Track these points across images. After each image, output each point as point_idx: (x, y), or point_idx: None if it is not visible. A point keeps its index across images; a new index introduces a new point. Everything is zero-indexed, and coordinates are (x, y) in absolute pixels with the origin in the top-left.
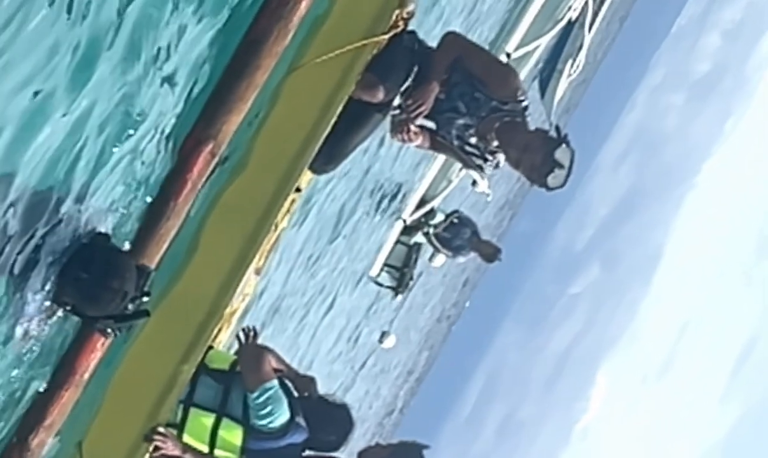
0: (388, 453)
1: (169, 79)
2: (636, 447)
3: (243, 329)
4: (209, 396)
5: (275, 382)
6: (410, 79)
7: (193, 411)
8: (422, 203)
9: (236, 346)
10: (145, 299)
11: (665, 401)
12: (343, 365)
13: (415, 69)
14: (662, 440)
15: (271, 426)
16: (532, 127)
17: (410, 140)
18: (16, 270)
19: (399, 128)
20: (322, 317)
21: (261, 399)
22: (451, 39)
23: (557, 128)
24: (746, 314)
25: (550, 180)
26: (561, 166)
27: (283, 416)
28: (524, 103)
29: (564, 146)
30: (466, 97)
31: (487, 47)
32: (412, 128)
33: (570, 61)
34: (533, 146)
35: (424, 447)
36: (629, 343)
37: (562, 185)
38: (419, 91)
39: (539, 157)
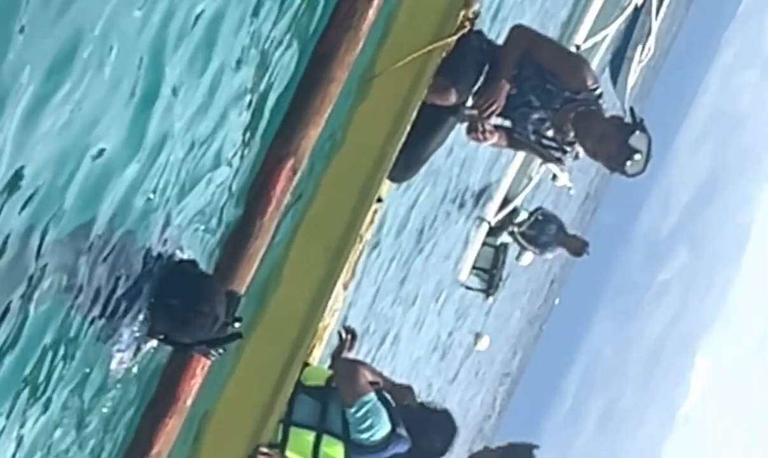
0: (497, 455)
1: (245, 101)
2: (741, 428)
3: (342, 329)
4: (308, 413)
5: (372, 395)
6: (481, 79)
7: (293, 430)
8: (505, 202)
9: (335, 347)
10: (236, 324)
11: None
12: (438, 371)
13: (486, 68)
14: None
15: (372, 439)
16: (607, 115)
17: (485, 140)
18: (108, 303)
19: (474, 128)
20: (413, 325)
21: (360, 413)
22: (518, 33)
23: (632, 112)
24: None
25: (629, 167)
26: (638, 152)
27: (383, 428)
28: (597, 92)
29: (638, 131)
30: (538, 90)
31: (555, 38)
32: (487, 127)
33: (639, 48)
34: (609, 135)
35: (534, 446)
36: (725, 324)
37: (641, 171)
38: (490, 90)
39: (615, 146)
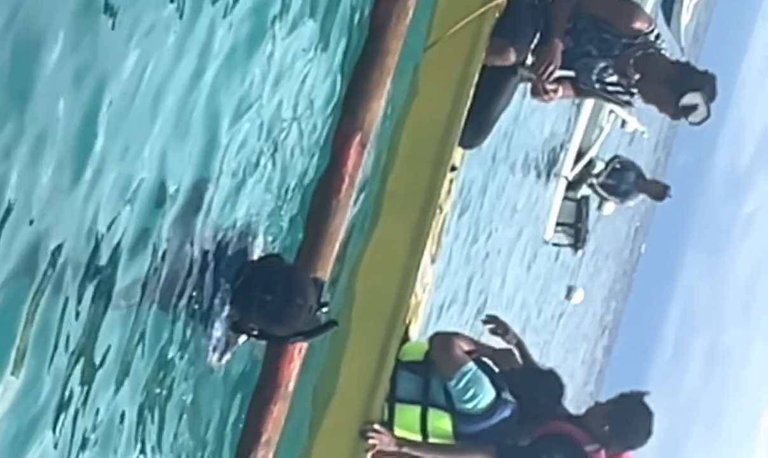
0: (609, 408)
1: (307, 83)
2: None
3: (483, 321)
4: (411, 389)
5: (471, 364)
6: (538, 35)
7: (398, 406)
8: (579, 155)
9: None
10: (324, 309)
11: None
12: (536, 330)
13: (541, 24)
14: None
15: (478, 407)
16: (668, 55)
17: (552, 98)
18: (201, 303)
19: (537, 91)
20: (505, 290)
21: (461, 384)
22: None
23: (685, 70)
24: None
25: (692, 118)
26: (695, 106)
27: (487, 395)
28: (654, 34)
29: (689, 92)
30: (595, 40)
31: None
32: (549, 87)
33: None
34: (663, 97)
35: (644, 393)
36: None
37: (705, 119)
38: (545, 50)
39: (671, 108)
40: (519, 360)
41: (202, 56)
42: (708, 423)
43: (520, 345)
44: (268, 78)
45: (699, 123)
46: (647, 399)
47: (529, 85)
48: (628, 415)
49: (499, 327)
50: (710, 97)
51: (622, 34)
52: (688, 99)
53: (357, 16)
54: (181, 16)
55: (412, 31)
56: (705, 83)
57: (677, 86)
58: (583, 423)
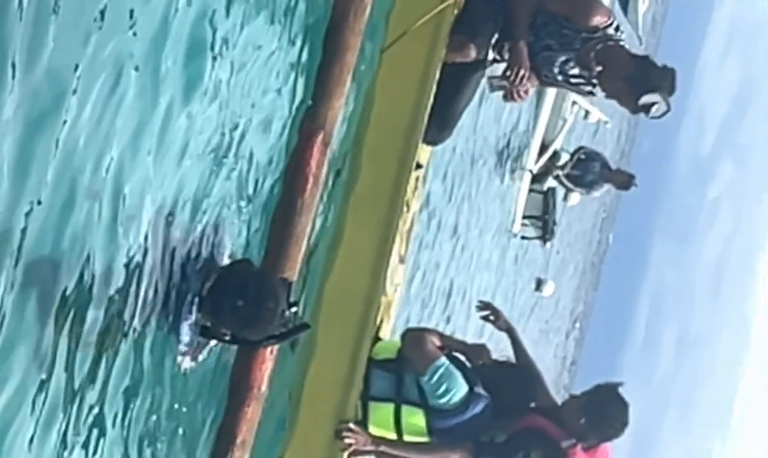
0: (584, 401)
1: (266, 84)
2: None
3: (476, 307)
4: (384, 387)
5: (443, 359)
6: (498, 30)
7: (372, 404)
8: (543, 148)
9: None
10: (293, 309)
11: None
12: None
13: (500, 18)
14: None
15: (451, 402)
16: (627, 47)
17: (525, 99)
18: (169, 311)
19: (510, 96)
20: (476, 285)
21: (434, 379)
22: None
23: (644, 64)
24: None
25: (651, 114)
26: (653, 104)
27: (460, 390)
28: (613, 26)
29: (647, 94)
30: (555, 35)
31: None
32: (521, 88)
33: None
34: (623, 94)
35: (619, 384)
36: None
37: (665, 113)
38: (512, 56)
39: (631, 105)
40: (491, 355)
41: (156, 61)
42: (682, 410)
43: (511, 330)
44: (225, 82)
45: (659, 117)
46: (622, 390)
47: (498, 88)
48: (604, 407)
49: (491, 313)
50: (669, 92)
51: (581, 28)
52: (647, 98)
53: (315, 14)
54: (135, 34)
55: (370, 28)
56: (664, 80)
57: (636, 85)
58: (560, 417)
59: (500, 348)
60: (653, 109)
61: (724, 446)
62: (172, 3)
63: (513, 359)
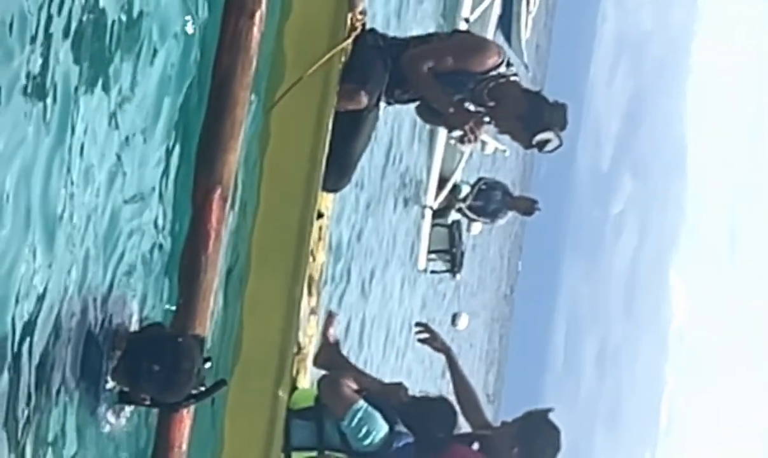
0: (516, 428)
1: (156, 148)
2: (734, 330)
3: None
4: (305, 436)
5: (361, 402)
6: (387, 74)
7: (294, 455)
8: (442, 182)
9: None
10: (206, 364)
11: (746, 276)
12: (428, 362)
13: (389, 63)
14: (758, 313)
15: (373, 444)
16: (519, 81)
17: (478, 137)
18: (88, 384)
19: (468, 140)
20: (389, 326)
21: (353, 423)
22: (413, 61)
23: (536, 101)
24: None
25: (545, 150)
26: (546, 142)
27: (380, 431)
28: (505, 63)
29: (540, 134)
30: (451, 83)
31: (441, 19)
32: (476, 131)
33: (524, 1)
34: (516, 132)
35: (548, 410)
36: (689, 236)
37: (557, 148)
38: (455, 118)
39: (524, 143)
40: (408, 392)
41: (36, 140)
42: (610, 424)
43: (448, 352)
44: (112, 150)
45: (551, 152)
46: (552, 416)
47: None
48: (536, 435)
49: (429, 336)
50: (562, 127)
51: (476, 73)
52: (541, 136)
53: (198, 72)
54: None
55: (258, 81)
56: (556, 117)
57: (529, 124)
58: (491, 445)
59: (420, 387)
60: (547, 146)
61: (654, 454)
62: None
63: (433, 394)
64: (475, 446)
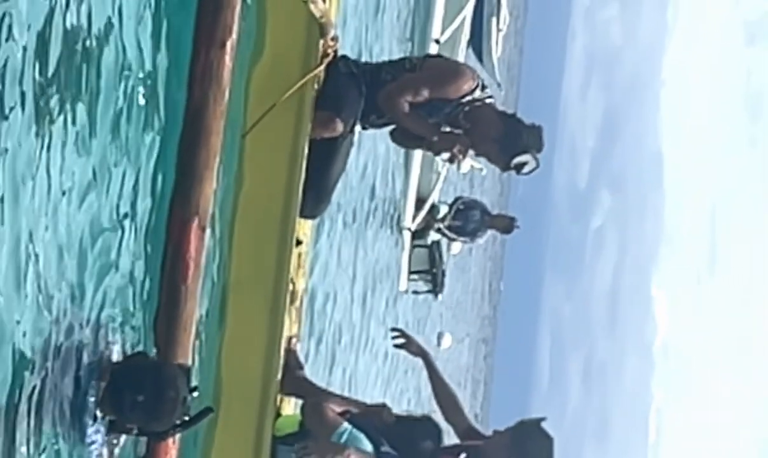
0: (508, 437)
1: (130, 178)
2: (718, 340)
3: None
4: None
5: (345, 425)
6: (362, 99)
7: None
8: (420, 203)
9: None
10: (194, 394)
11: (727, 286)
12: (415, 384)
13: (364, 89)
14: (740, 323)
15: None
16: (495, 104)
17: (466, 156)
18: (74, 418)
19: (455, 160)
20: (374, 350)
21: None
22: (390, 99)
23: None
24: (757, 178)
25: (522, 172)
26: (524, 164)
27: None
28: (479, 87)
29: (519, 155)
30: (427, 110)
31: (411, 41)
32: (463, 154)
33: (494, 19)
34: (493, 155)
35: (541, 419)
36: (669, 249)
37: (534, 170)
38: (443, 143)
39: (501, 165)
40: (392, 413)
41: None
42: (598, 439)
43: (425, 355)
44: (85, 183)
45: (528, 174)
46: (544, 425)
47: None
48: (529, 443)
49: (405, 340)
50: (538, 149)
51: (452, 100)
52: (519, 159)
53: (170, 104)
54: None
55: (232, 110)
56: (532, 140)
57: (507, 147)
58: (483, 456)
59: (406, 408)
60: (524, 168)
61: None
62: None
63: (417, 414)
64: (463, 456)
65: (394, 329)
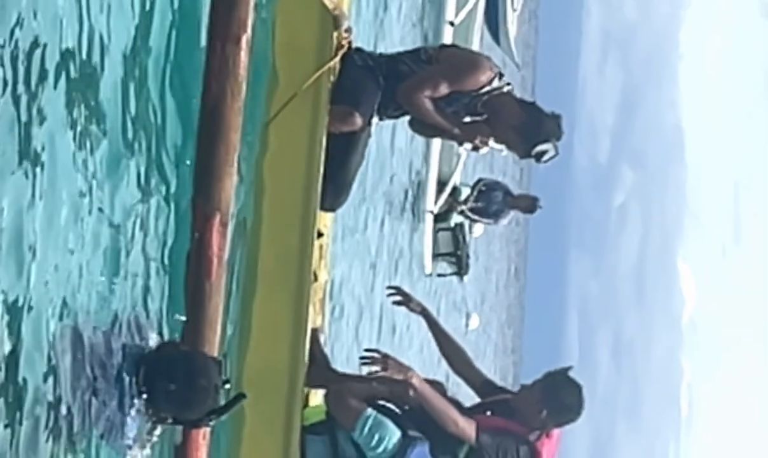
0: (538, 390)
1: (155, 173)
2: (745, 312)
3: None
4: (320, 450)
5: (369, 410)
6: (380, 91)
7: None
8: (441, 186)
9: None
10: (226, 385)
11: (753, 257)
12: (437, 370)
13: (381, 82)
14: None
15: (387, 450)
16: (514, 92)
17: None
18: (109, 407)
19: (478, 148)
20: (400, 336)
21: (365, 432)
22: (409, 94)
23: (532, 113)
24: None
25: (542, 161)
26: (544, 152)
27: (393, 436)
28: (498, 76)
29: (537, 146)
30: (446, 102)
31: (425, 25)
32: (487, 142)
33: (509, 0)
34: (514, 144)
35: (568, 368)
36: (693, 222)
37: (554, 157)
38: (466, 134)
39: (520, 153)
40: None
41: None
42: (630, 416)
43: (425, 312)
44: (114, 187)
45: (548, 162)
46: (572, 373)
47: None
48: (561, 394)
49: (402, 298)
50: (558, 138)
51: (471, 91)
52: (539, 148)
53: (187, 101)
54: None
55: (250, 105)
56: (552, 129)
57: (527, 135)
58: (518, 411)
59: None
60: (544, 156)
61: (678, 442)
62: None
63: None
64: (489, 414)
65: (390, 287)
